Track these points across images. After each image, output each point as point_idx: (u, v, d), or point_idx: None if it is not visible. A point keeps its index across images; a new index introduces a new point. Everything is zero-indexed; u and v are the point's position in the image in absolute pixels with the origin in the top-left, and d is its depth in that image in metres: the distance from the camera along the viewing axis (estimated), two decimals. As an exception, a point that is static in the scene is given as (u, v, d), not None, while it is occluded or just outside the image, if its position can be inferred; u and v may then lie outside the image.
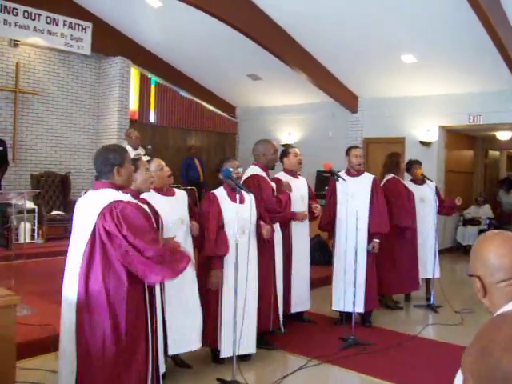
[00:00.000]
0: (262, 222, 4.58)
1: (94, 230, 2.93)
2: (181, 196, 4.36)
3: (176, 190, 4.41)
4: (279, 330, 5.15)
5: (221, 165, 4.58)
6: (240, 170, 4.60)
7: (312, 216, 5.70)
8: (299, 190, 5.56)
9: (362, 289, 5.57)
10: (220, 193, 4.55)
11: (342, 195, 5.56)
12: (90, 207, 3.02)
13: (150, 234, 2.95)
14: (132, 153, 7.59)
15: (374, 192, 5.71)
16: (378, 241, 5.66)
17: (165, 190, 4.21)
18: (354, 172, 5.82)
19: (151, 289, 3.22)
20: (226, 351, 4.38)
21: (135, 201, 3.34)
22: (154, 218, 3.71)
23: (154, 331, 3.21)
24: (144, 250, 2.87)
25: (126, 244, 2.86)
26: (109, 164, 3.07)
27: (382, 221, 5.67)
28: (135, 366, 3.01)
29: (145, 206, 3.51)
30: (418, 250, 6.68)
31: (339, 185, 5.59)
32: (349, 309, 5.48)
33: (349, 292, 5.45)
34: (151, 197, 3.97)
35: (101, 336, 2.93)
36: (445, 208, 6.96)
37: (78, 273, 2.95)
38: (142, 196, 3.85)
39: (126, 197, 3.09)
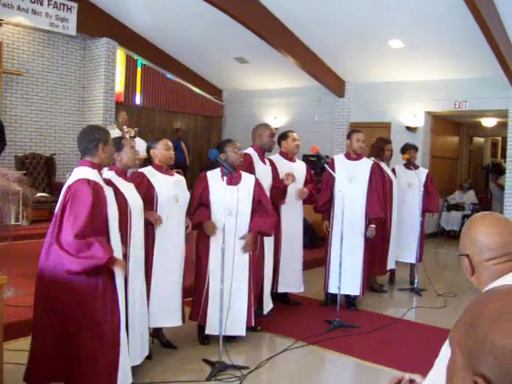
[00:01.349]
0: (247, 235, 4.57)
1: (59, 207, 3.11)
2: (180, 179, 4.46)
3: (176, 174, 4.51)
4: (264, 314, 5.19)
5: (221, 147, 4.64)
6: (242, 151, 4.74)
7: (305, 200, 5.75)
8: (296, 175, 5.56)
9: (359, 272, 5.65)
10: (213, 174, 4.61)
11: (340, 179, 5.57)
12: (66, 184, 3.19)
13: (81, 222, 3.00)
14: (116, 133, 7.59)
15: (372, 177, 5.76)
16: (374, 226, 5.73)
17: (164, 170, 4.33)
18: (353, 156, 5.85)
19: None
20: (211, 329, 4.42)
21: (116, 176, 3.68)
22: (147, 191, 4.06)
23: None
24: (64, 232, 3.00)
25: (59, 218, 3.02)
26: (94, 140, 3.21)
27: (378, 206, 5.75)
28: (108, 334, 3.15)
29: (129, 184, 3.77)
30: (401, 235, 6.73)
31: (338, 168, 5.61)
32: (346, 291, 5.62)
33: (348, 275, 5.49)
34: (149, 171, 4.21)
35: (65, 308, 3.10)
36: (427, 204, 6.89)
37: (44, 248, 3.12)
38: (144, 172, 4.18)
39: (97, 175, 3.23)
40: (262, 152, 5.32)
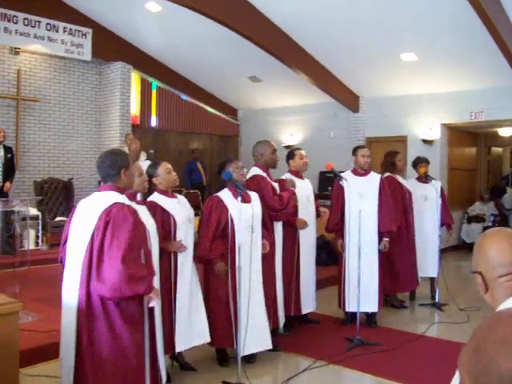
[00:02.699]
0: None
1: (93, 232, 2.96)
2: (183, 199, 4.43)
3: (177, 195, 4.47)
4: (281, 332, 5.15)
5: (223, 166, 4.60)
6: (244, 170, 4.68)
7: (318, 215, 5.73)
8: (305, 191, 5.57)
9: (375, 288, 5.60)
10: (224, 194, 4.56)
11: (351, 195, 5.55)
12: (92, 208, 3.05)
13: (127, 244, 2.88)
14: None
15: (381, 191, 5.73)
16: (387, 239, 5.70)
17: (170, 193, 4.29)
18: (361, 172, 5.82)
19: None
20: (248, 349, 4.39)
21: (128, 201, 3.41)
22: (163, 218, 4.02)
23: (152, 334, 3.22)
24: (106, 263, 2.86)
25: (99, 245, 2.89)
26: (116, 166, 3.12)
27: (390, 219, 5.71)
28: (133, 373, 3.03)
29: (143, 207, 3.61)
30: (420, 249, 6.66)
31: (347, 185, 5.59)
32: (365, 309, 5.55)
33: (364, 292, 5.44)
34: (158, 199, 4.15)
35: (100, 343, 2.94)
36: (442, 217, 6.81)
37: (80, 276, 2.96)
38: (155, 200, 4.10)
39: (126, 200, 3.13)
40: (267, 169, 5.28)
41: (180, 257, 4.16)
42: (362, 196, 5.60)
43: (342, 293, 5.69)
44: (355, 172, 5.85)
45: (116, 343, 2.97)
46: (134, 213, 3.07)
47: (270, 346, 4.58)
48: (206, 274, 4.57)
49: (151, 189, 4.25)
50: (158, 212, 4.05)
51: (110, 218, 2.92)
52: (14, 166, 9.00)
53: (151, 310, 3.28)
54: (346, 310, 5.68)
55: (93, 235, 2.96)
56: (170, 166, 4.30)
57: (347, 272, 5.62)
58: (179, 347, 4.16)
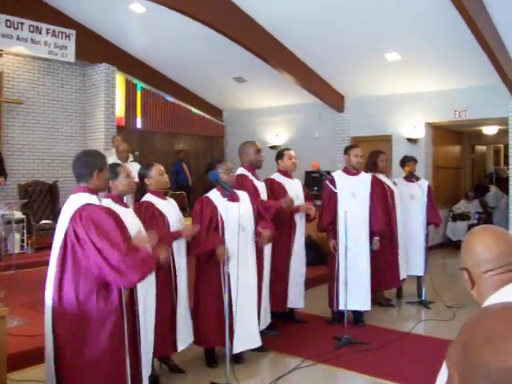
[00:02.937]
0: (260, 228, 4.62)
1: (65, 234, 2.99)
2: (171, 201, 4.46)
3: (168, 197, 4.49)
4: (269, 332, 5.16)
5: (212, 166, 4.60)
6: (234, 171, 4.73)
7: (307, 218, 5.74)
8: (294, 190, 5.60)
9: (367, 287, 5.63)
10: (213, 194, 4.57)
11: (341, 195, 5.57)
12: (65, 212, 3.09)
13: (117, 239, 2.93)
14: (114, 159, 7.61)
15: (373, 190, 5.77)
16: (378, 238, 5.75)
17: (162, 195, 4.34)
18: (353, 171, 5.84)
19: (132, 292, 3.28)
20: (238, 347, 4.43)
21: (113, 203, 3.56)
22: (160, 219, 4.08)
23: (132, 335, 3.23)
24: (108, 256, 2.88)
25: (94, 248, 2.89)
26: (89, 167, 3.15)
27: (380, 218, 5.77)
28: (112, 371, 3.03)
29: (128, 210, 3.69)
30: (407, 247, 6.70)
31: (339, 184, 5.62)
32: (357, 307, 5.61)
33: (356, 291, 5.49)
34: (152, 199, 4.19)
35: (75, 342, 2.96)
36: (429, 216, 6.84)
37: (53, 278, 2.99)
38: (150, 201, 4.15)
39: (98, 201, 3.14)
40: (253, 169, 5.32)
41: (176, 259, 4.21)
42: (354, 195, 5.63)
43: (336, 292, 5.64)
44: (347, 171, 5.86)
45: (93, 344, 2.97)
46: (110, 212, 3.09)
47: (260, 343, 4.59)
48: (197, 273, 4.59)
49: (143, 190, 4.29)
50: (154, 213, 4.09)
51: (86, 222, 2.92)
52: (4, 169, 8.87)
53: (133, 309, 3.31)
54: (339, 308, 5.62)
55: (65, 237, 2.98)
56: (162, 168, 4.35)
57: (340, 271, 5.60)
58: (181, 346, 4.25)
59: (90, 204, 3.01)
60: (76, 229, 2.94)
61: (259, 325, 4.69)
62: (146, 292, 3.66)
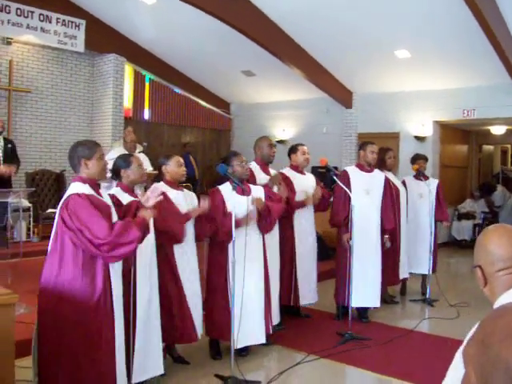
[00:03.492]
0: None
1: (56, 223, 3.14)
2: (189, 194, 4.53)
3: (184, 189, 4.53)
4: (277, 326, 5.18)
5: (227, 160, 4.63)
6: (248, 165, 4.78)
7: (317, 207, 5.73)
8: (303, 186, 5.59)
9: (378, 284, 5.63)
10: (224, 188, 4.60)
11: (356, 191, 5.52)
12: (61, 201, 3.21)
13: (99, 221, 3.04)
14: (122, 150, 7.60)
15: (386, 188, 5.77)
16: (387, 236, 5.77)
17: (176, 186, 4.38)
18: (367, 168, 5.81)
19: (128, 281, 3.44)
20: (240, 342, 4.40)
21: (122, 192, 3.73)
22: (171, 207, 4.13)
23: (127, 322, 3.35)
24: (93, 241, 3.00)
25: (80, 235, 3.01)
26: (76, 157, 3.24)
27: (391, 217, 5.79)
28: (96, 358, 3.09)
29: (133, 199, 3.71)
30: (413, 245, 6.70)
31: (354, 180, 5.61)
32: (367, 304, 5.61)
33: (369, 288, 5.52)
34: (166, 189, 4.23)
35: (56, 326, 3.06)
36: (436, 213, 6.81)
37: (44, 265, 3.15)
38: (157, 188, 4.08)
39: (90, 189, 3.21)
40: (264, 164, 5.33)
41: (176, 247, 4.21)
42: (367, 193, 5.61)
43: (347, 288, 5.49)
44: (361, 167, 5.82)
45: (72, 330, 3.05)
46: (92, 198, 3.16)
47: (264, 341, 4.60)
48: (208, 265, 4.64)
49: (160, 179, 4.38)
50: (167, 199, 4.12)
51: (68, 212, 3.06)
52: (16, 157, 8.73)
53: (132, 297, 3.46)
54: (352, 305, 5.46)
55: (56, 225, 3.13)
56: (182, 161, 4.43)
57: (351, 268, 5.48)
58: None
59: (75, 194, 3.11)
60: (64, 218, 3.07)
61: (270, 320, 4.71)
62: (141, 281, 3.70)
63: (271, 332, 4.71)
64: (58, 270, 3.07)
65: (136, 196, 3.89)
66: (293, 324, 5.58)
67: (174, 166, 4.34)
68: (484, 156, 13.98)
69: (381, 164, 6.48)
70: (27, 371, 3.76)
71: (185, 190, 4.51)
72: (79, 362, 3.03)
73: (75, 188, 3.16)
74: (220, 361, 4.53)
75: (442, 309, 6.37)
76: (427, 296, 6.70)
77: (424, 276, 6.95)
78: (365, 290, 5.47)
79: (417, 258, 6.76)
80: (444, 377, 1.57)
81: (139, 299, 3.64)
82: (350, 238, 5.39)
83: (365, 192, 5.61)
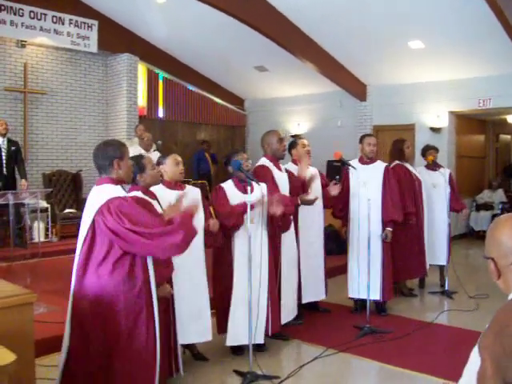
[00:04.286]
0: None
1: (91, 226, 2.99)
2: (192, 191, 4.31)
3: (187, 185, 4.43)
4: (295, 321, 5.18)
5: (229, 158, 4.62)
6: (249, 162, 4.63)
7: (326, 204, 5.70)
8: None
9: (378, 276, 5.58)
10: (227, 185, 4.59)
11: (355, 183, 5.58)
12: (90, 203, 3.08)
13: (151, 219, 2.98)
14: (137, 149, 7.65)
15: (385, 180, 5.71)
16: (390, 229, 5.65)
17: (173, 185, 4.21)
18: (366, 160, 5.82)
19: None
20: (235, 339, 4.43)
21: (142, 195, 3.60)
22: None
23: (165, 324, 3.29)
24: (149, 233, 2.89)
25: (134, 234, 2.88)
26: (108, 157, 3.11)
27: (394, 209, 5.67)
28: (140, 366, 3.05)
29: (155, 201, 3.72)
30: (430, 237, 6.65)
31: (351, 173, 5.60)
32: (364, 296, 5.51)
33: (364, 279, 5.45)
34: (159, 191, 4.04)
35: (88, 329, 3.00)
36: (451, 204, 6.79)
37: (76, 268, 3.04)
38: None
39: (122, 192, 3.10)
40: (276, 159, 5.20)
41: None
42: (365, 184, 5.56)
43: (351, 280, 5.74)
44: (361, 160, 5.86)
45: (113, 331, 2.99)
46: (138, 200, 3.12)
47: (262, 341, 4.54)
48: (215, 264, 4.62)
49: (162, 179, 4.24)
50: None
51: (117, 213, 2.91)
52: (21, 160, 8.81)
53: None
54: (349, 295, 5.78)
55: (93, 229, 2.98)
56: (179, 159, 4.27)
57: (351, 260, 5.71)
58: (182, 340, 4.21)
59: (115, 197, 2.98)
60: (106, 223, 2.91)
61: (280, 318, 4.70)
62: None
63: (278, 330, 4.69)
64: (106, 277, 2.97)
65: (154, 197, 3.85)
66: (311, 319, 5.57)
67: (171, 165, 4.17)
68: (501, 146, 13.81)
69: (400, 155, 6.46)
70: (48, 369, 3.81)
71: (187, 186, 4.36)
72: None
73: (111, 191, 3.04)
74: (239, 356, 4.54)
75: (461, 301, 6.33)
76: (446, 288, 6.65)
77: (441, 267, 6.90)
78: (362, 282, 5.45)
79: (434, 249, 6.71)
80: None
81: None
82: (345, 231, 5.58)
83: (362, 184, 5.54)
